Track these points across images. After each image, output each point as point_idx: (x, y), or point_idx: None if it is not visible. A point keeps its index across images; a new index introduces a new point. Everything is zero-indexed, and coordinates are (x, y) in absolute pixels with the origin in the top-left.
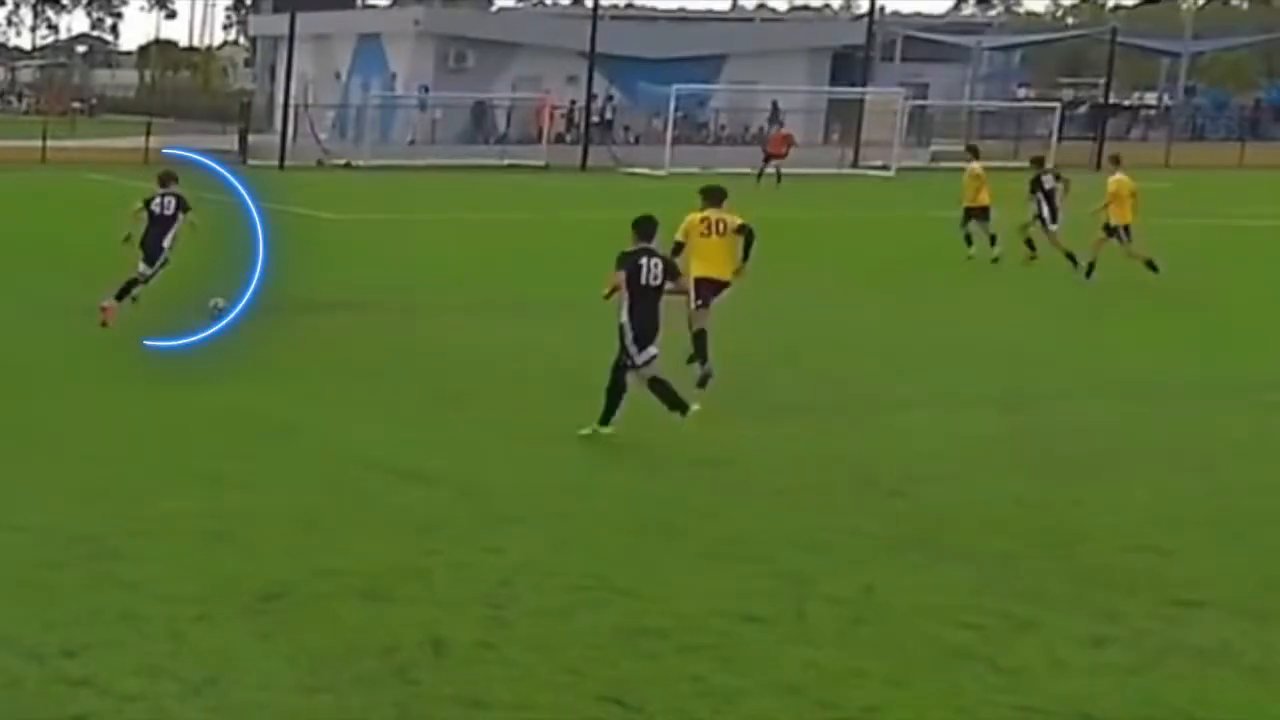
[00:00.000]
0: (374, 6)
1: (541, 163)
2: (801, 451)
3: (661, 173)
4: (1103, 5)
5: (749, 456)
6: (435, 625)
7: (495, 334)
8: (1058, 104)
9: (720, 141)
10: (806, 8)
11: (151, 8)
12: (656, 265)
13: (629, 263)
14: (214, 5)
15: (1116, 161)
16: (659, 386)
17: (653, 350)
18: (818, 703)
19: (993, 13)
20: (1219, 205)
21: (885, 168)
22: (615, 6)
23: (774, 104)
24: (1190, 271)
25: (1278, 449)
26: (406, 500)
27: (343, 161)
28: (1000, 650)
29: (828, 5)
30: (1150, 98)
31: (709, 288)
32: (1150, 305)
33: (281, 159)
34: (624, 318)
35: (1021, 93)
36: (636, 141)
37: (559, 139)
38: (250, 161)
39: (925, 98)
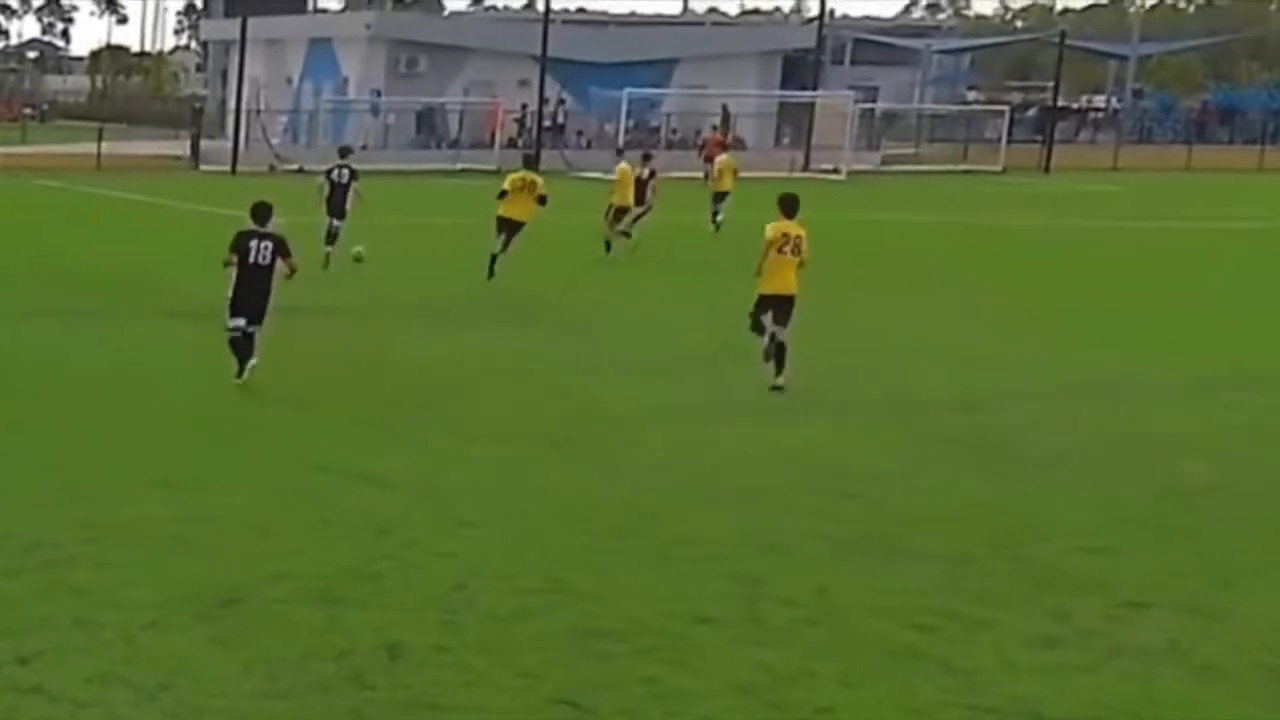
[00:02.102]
0: (325, 11)
1: (493, 167)
2: (755, 453)
3: (613, 176)
4: (1051, 9)
5: (702, 458)
6: (390, 629)
7: (450, 338)
8: (1007, 107)
9: (672, 145)
10: (757, 11)
11: (102, 13)
12: (266, 246)
13: (241, 243)
14: (165, 10)
15: None
16: (237, 345)
17: (240, 321)
18: (770, 704)
19: (942, 16)
20: (1167, 208)
21: (836, 171)
22: (566, 11)
23: (724, 108)
24: (1139, 274)
25: (1227, 449)
26: (362, 504)
27: (295, 166)
28: (952, 651)
29: (778, 9)
30: (1098, 101)
31: None
32: (1102, 306)
33: (234, 164)
34: (229, 291)
35: (971, 96)
36: (588, 145)
37: (511, 143)
38: (202, 167)
39: (875, 101)
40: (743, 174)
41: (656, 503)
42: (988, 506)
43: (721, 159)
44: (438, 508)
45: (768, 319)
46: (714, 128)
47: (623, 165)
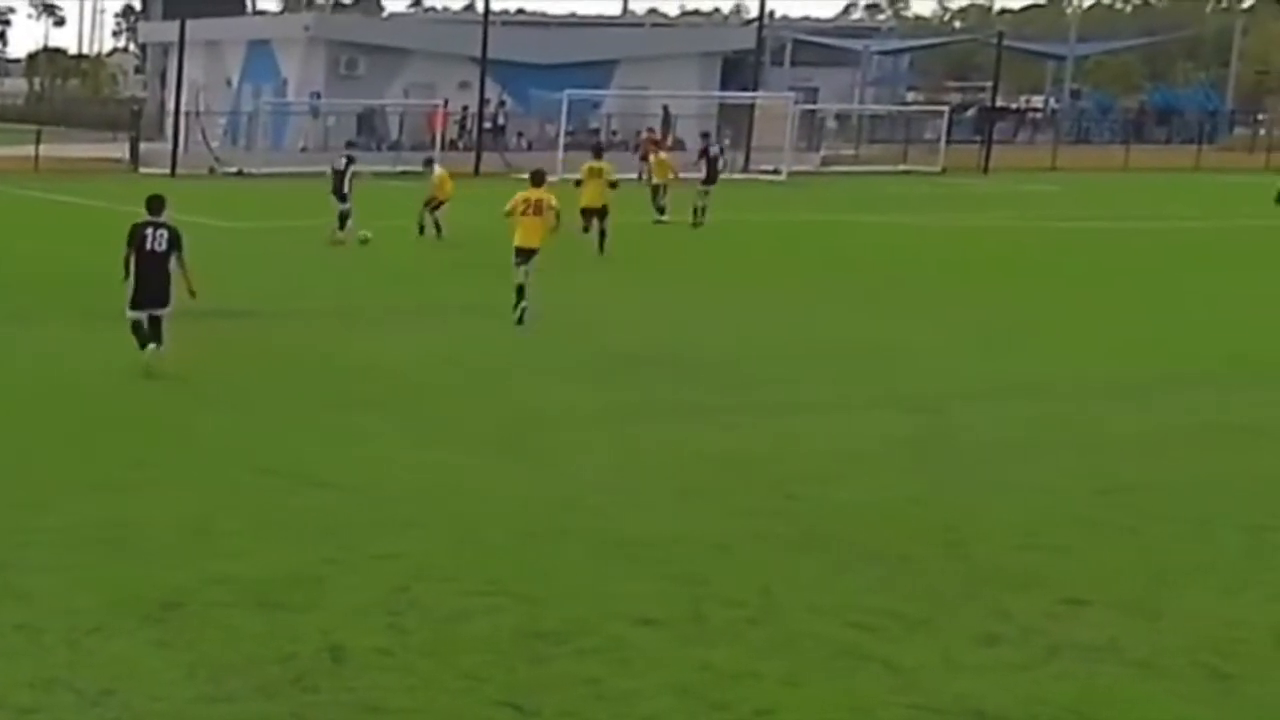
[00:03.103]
0: (264, 13)
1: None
2: (699, 453)
3: (554, 178)
4: (989, 9)
5: (643, 460)
6: (333, 632)
7: (390, 339)
8: (946, 108)
9: (612, 146)
10: (697, 12)
11: (39, 15)
12: (161, 234)
13: (136, 233)
14: (103, 12)
15: None
16: (139, 329)
17: (140, 313)
18: (713, 704)
19: (881, 17)
20: (1105, 208)
21: (776, 172)
22: (506, 12)
23: (665, 109)
24: (1078, 274)
25: (1163, 447)
26: (303, 506)
27: (235, 169)
28: (894, 649)
29: (718, 10)
30: (1037, 101)
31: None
32: (1041, 306)
33: (173, 167)
34: (129, 280)
35: (910, 96)
36: (529, 147)
37: (451, 145)
38: (142, 169)
39: (815, 102)
40: (683, 175)
41: (598, 504)
42: (929, 505)
43: (658, 155)
44: (380, 510)
45: (520, 267)
46: (650, 129)
47: (591, 164)
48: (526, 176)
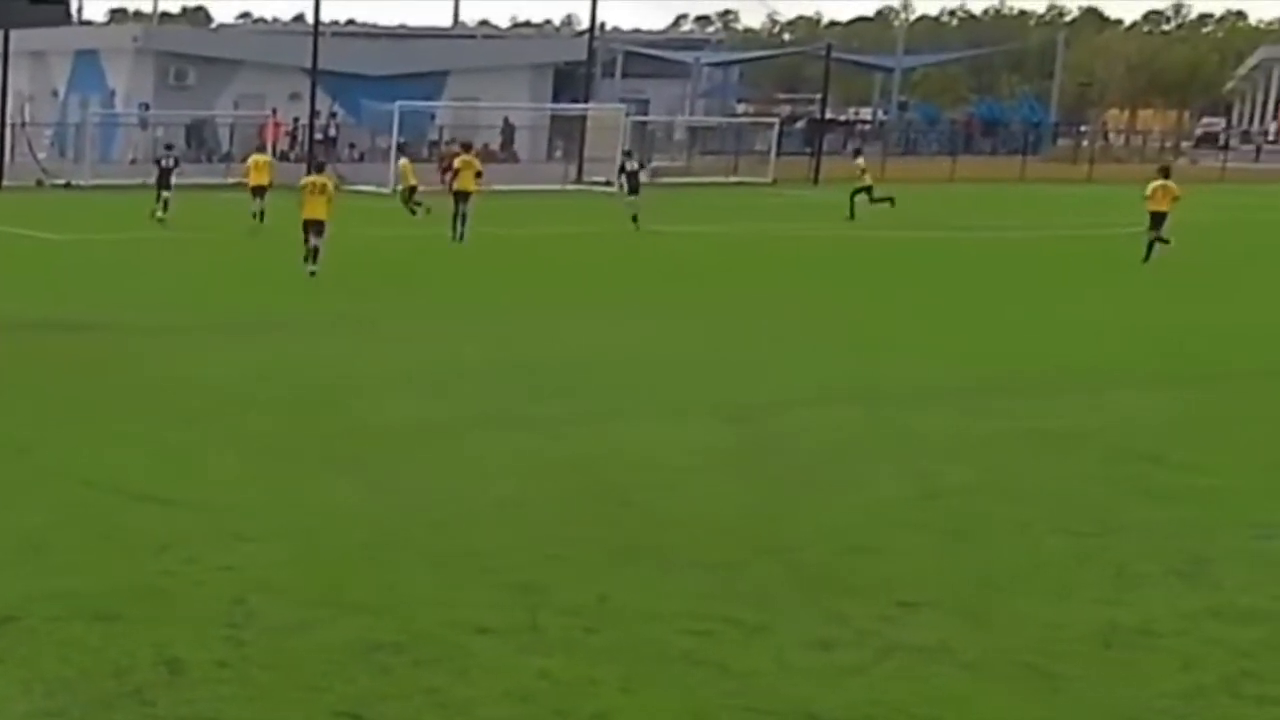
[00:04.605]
0: (91, 23)
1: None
2: (533, 463)
3: (387, 190)
4: (817, 22)
5: (479, 470)
6: (171, 645)
7: (225, 353)
8: (776, 119)
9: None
10: (528, 23)
11: None
12: None
13: None
14: None
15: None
16: None
17: None
18: (552, 711)
19: (711, 29)
20: (932, 218)
21: (608, 184)
22: (336, 23)
23: (506, 120)
24: (903, 282)
25: (986, 452)
26: (139, 521)
27: (63, 181)
28: (730, 655)
29: (549, 21)
30: (865, 113)
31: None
32: (865, 314)
33: None
34: None
35: (740, 108)
36: (361, 159)
37: (283, 156)
38: None
39: (647, 114)
40: (517, 186)
41: (434, 515)
42: (760, 511)
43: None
44: (217, 523)
45: (311, 236)
46: (453, 141)
47: (464, 156)
48: (360, 188)
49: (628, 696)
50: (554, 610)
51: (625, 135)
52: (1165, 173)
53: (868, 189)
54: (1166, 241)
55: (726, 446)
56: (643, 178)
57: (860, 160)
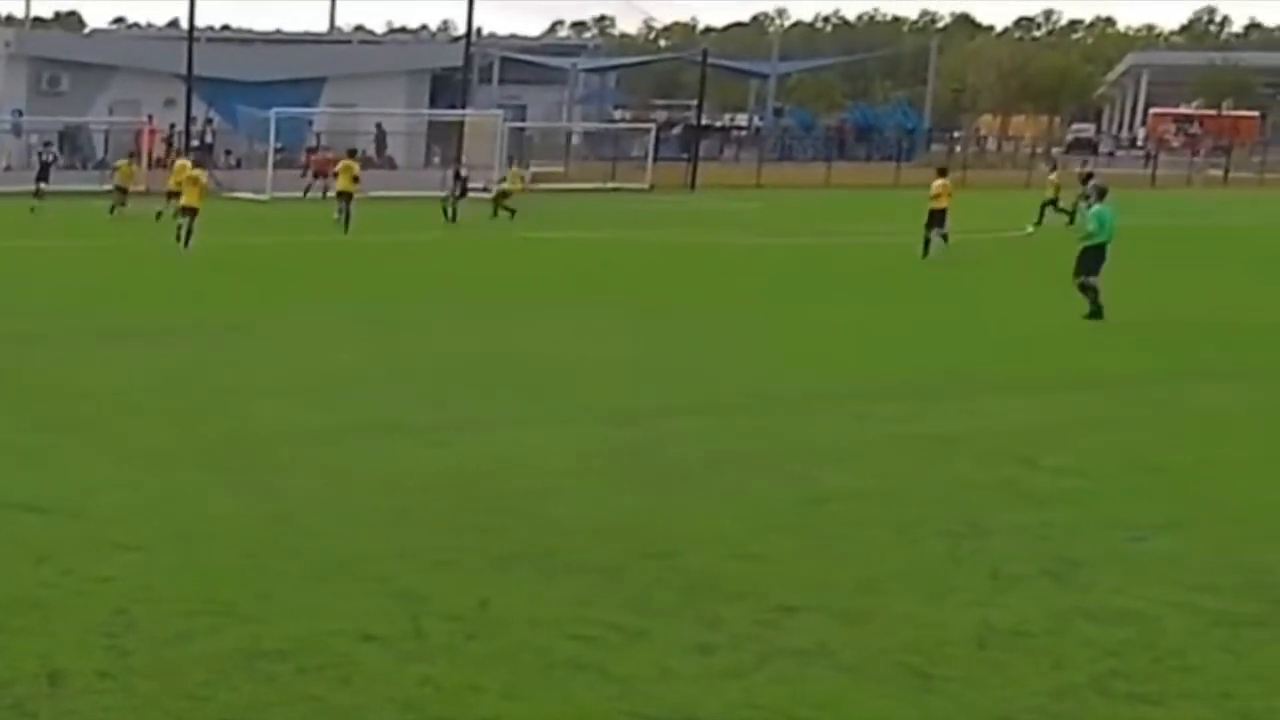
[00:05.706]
0: None
1: (141, 188)
2: (413, 470)
3: (264, 197)
4: (693, 28)
5: (360, 477)
6: (52, 657)
7: (106, 361)
8: (652, 125)
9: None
10: (404, 29)
11: None
12: None
13: None
14: None
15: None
16: None
17: None
18: (435, 718)
19: (588, 35)
20: (807, 223)
21: (486, 190)
22: (212, 28)
23: (379, 126)
24: (779, 289)
25: (863, 456)
26: (17, 532)
27: None
28: (611, 659)
29: (425, 27)
30: (741, 119)
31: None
32: (743, 321)
33: None
34: None
35: (618, 114)
36: (238, 165)
37: (159, 163)
38: None
39: (524, 120)
40: (395, 193)
41: (316, 523)
42: (642, 517)
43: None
44: (96, 533)
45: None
46: (327, 148)
47: (346, 161)
48: (238, 195)
49: (510, 702)
50: (436, 617)
51: (503, 141)
52: (943, 173)
53: (1053, 201)
54: (946, 238)
55: (607, 452)
56: (495, 186)
57: (1054, 175)
